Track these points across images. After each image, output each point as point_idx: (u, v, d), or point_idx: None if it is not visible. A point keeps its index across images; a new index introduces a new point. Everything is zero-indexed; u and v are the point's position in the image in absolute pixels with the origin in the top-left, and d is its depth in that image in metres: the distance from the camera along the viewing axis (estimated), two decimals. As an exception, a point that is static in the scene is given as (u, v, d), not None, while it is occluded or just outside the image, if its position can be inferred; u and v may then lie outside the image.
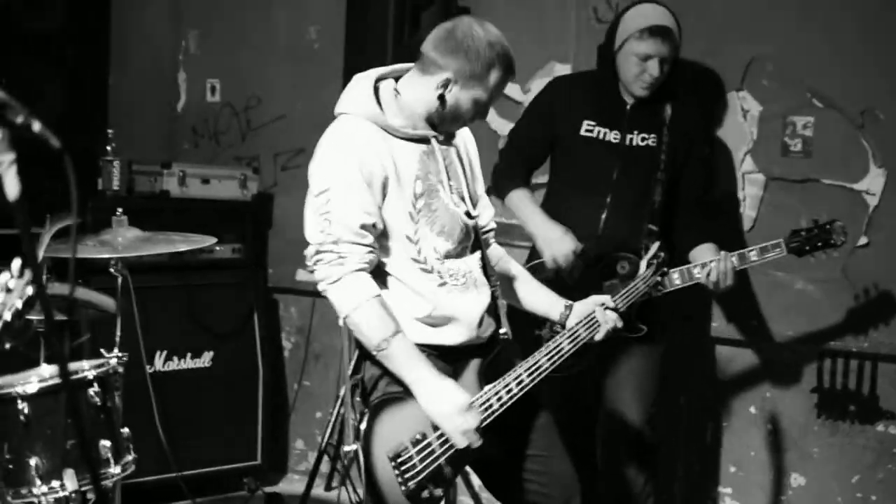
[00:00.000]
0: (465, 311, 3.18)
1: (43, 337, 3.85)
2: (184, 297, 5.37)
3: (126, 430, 3.91)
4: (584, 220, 4.19)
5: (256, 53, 5.99)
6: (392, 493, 3.06)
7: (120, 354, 4.00)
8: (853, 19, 4.51)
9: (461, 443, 3.05)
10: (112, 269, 4.15)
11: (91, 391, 3.77)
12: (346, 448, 3.10)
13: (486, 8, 5.03)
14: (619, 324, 3.39)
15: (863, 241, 4.50)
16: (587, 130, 4.21)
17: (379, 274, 3.11)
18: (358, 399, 3.17)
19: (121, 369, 3.97)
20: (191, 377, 5.36)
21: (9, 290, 1.95)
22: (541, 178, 4.55)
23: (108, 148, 5.27)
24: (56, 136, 1.82)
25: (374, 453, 3.06)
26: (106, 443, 3.77)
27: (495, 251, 3.47)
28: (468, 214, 3.23)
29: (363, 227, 3.03)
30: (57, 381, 3.68)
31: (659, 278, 3.66)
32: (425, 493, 3.07)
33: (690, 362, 4.87)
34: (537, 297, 3.50)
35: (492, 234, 3.44)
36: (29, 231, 1.81)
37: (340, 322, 3.12)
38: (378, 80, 3.21)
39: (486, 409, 3.10)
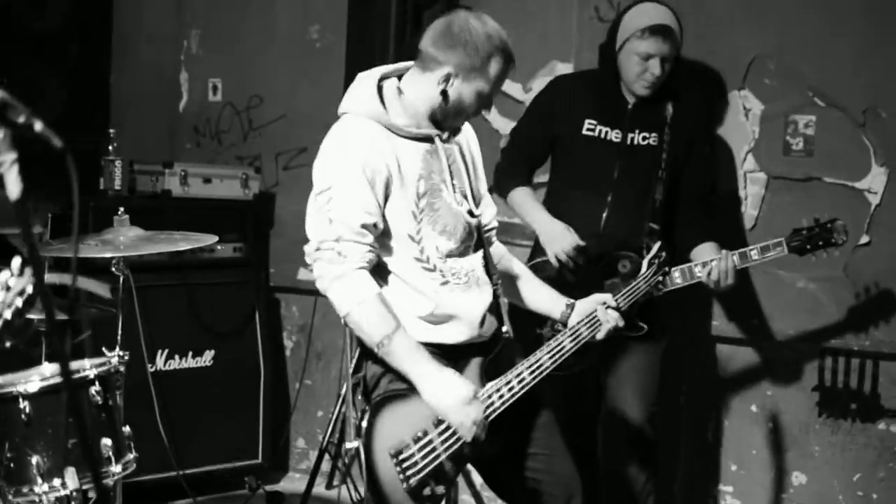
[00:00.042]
0: (467, 309, 3.18)
1: (44, 335, 3.86)
2: (185, 297, 5.37)
3: (127, 428, 3.91)
4: (586, 218, 4.19)
5: (258, 53, 5.99)
6: (394, 491, 3.06)
7: (121, 353, 4.00)
8: (855, 18, 4.51)
9: (468, 434, 3.05)
10: (114, 269, 4.15)
11: (92, 390, 3.77)
12: (348, 445, 3.10)
13: (488, 7, 5.02)
14: (621, 323, 3.39)
15: (864, 239, 4.50)
16: (588, 129, 4.22)
17: (381, 273, 3.12)
18: (360, 397, 3.17)
19: (122, 368, 3.96)
20: (192, 376, 5.37)
21: (9, 289, 1.95)
22: (542, 177, 4.55)
23: (110, 147, 5.27)
24: (57, 135, 1.82)
25: (376, 451, 3.06)
26: (107, 441, 3.77)
27: (497, 249, 3.47)
28: (471, 213, 3.24)
29: (364, 226, 3.04)
30: (58, 379, 3.68)
31: (661, 277, 3.67)
32: (427, 491, 3.07)
33: (691, 361, 4.87)
34: (539, 296, 3.50)
35: (494, 232, 3.44)
36: (30, 230, 1.82)
37: (342, 320, 3.12)
38: (382, 78, 3.21)
39: (487, 407, 3.11)
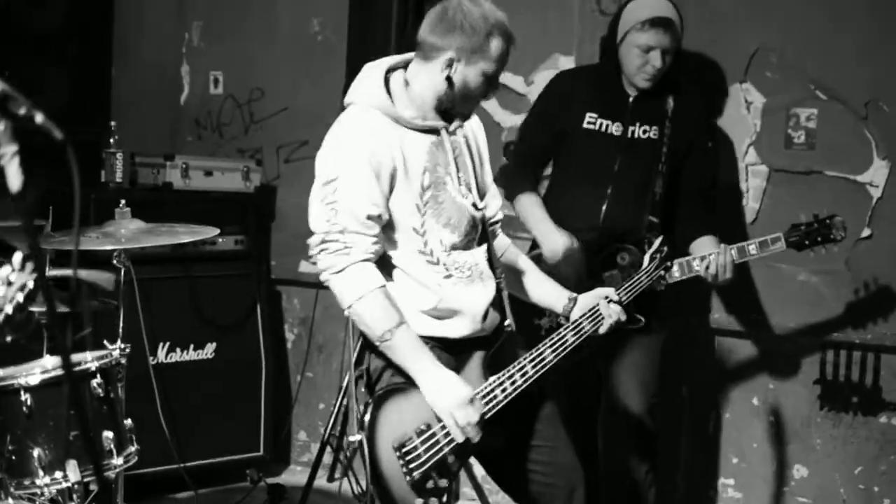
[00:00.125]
0: (470, 303, 3.18)
1: (46, 329, 3.85)
2: (187, 289, 5.37)
3: (129, 421, 3.91)
4: (585, 211, 4.20)
5: (259, 45, 5.99)
6: (397, 484, 3.06)
7: (123, 346, 4.00)
8: (859, 14, 4.50)
9: (460, 437, 3.05)
10: (115, 261, 4.15)
11: (94, 382, 3.77)
12: (351, 438, 3.09)
13: (490, -1, 5.02)
14: (623, 317, 3.39)
15: (866, 232, 4.50)
16: (590, 123, 4.22)
17: (385, 266, 3.11)
18: (362, 390, 3.17)
19: (123, 361, 3.96)
20: (193, 369, 5.37)
21: (10, 284, 1.94)
22: (545, 169, 4.55)
23: (111, 140, 5.27)
24: (58, 127, 1.82)
25: (379, 444, 3.06)
26: (109, 434, 3.77)
27: (501, 242, 3.47)
28: (475, 206, 3.23)
29: (369, 217, 3.03)
30: (60, 372, 3.68)
31: (662, 272, 3.67)
32: (430, 484, 3.07)
33: (693, 354, 4.87)
34: (542, 289, 3.50)
35: (498, 225, 3.44)
36: (31, 224, 1.81)
37: (345, 312, 3.11)
38: (389, 70, 3.20)
39: (490, 401, 3.10)
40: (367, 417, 3.07)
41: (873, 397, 4.57)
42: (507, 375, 3.15)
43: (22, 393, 3.64)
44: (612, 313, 3.36)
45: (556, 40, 5.07)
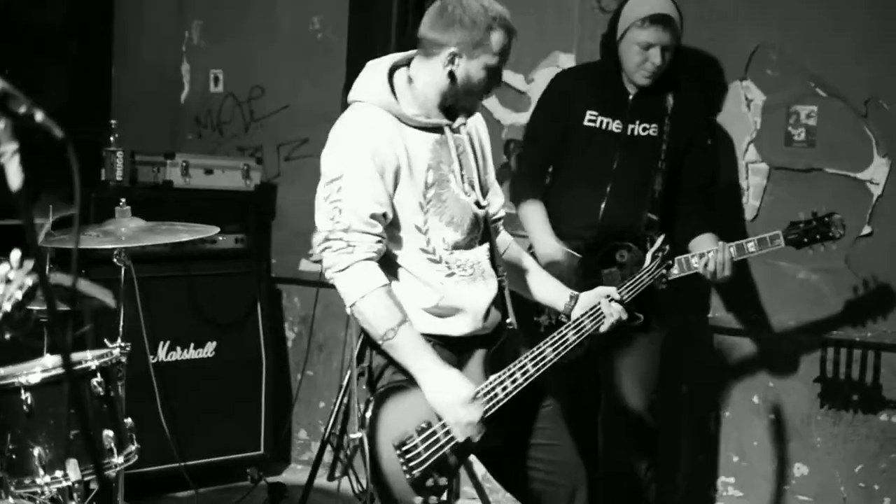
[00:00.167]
0: (472, 301, 3.17)
1: (46, 327, 3.85)
2: (187, 288, 5.37)
3: (129, 420, 3.91)
4: (584, 209, 4.20)
5: (260, 44, 5.98)
6: (397, 482, 3.06)
7: (123, 345, 4.01)
8: (859, 13, 4.51)
9: (462, 435, 3.05)
10: (115, 260, 4.15)
11: (94, 381, 3.77)
12: (352, 436, 3.09)
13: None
14: (624, 316, 3.39)
15: (866, 230, 4.51)
16: (590, 120, 4.22)
17: (387, 263, 3.11)
18: (364, 388, 3.16)
19: (124, 359, 3.96)
20: (194, 367, 5.37)
21: (9, 281, 1.94)
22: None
23: (112, 138, 5.27)
24: (59, 126, 1.81)
25: (380, 442, 3.05)
26: (109, 433, 3.77)
27: (503, 238, 3.46)
28: (478, 204, 3.23)
29: (373, 216, 3.03)
30: (60, 371, 3.68)
31: (664, 271, 3.67)
32: (430, 482, 3.07)
33: (693, 353, 4.87)
34: (544, 287, 3.50)
35: (501, 222, 3.43)
36: (31, 222, 1.81)
37: (348, 310, 3.11)
38: (393, 67, 3.20)
39: (490, 400, 3.10)
40: (367, 415, 3.07)
41: (873, 395, 4.58)
42: (508, 374, 3.14)
43: (22, 391, 3.63)
44: (614, 312, 3.36)
45: (557, 38, 5.07)
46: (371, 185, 3.02)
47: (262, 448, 5.60)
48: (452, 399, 3.03)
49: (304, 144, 5.78)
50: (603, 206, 4.20)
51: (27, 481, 3.62)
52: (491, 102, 5.05)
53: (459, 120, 3.21)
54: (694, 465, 4.92)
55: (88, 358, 3.83)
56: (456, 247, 3.17)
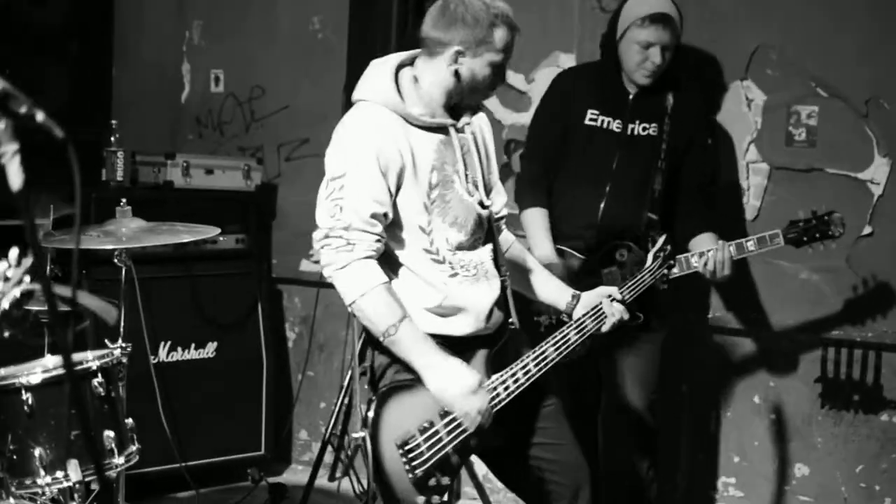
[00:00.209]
0: (474, 302, 3.17)
1: (47, 327, 3.85)
2: (187, 288, 5.37)
3: (130, 420, 3.91)
4: (584, 208, 4.21)
5: (260, 44, 5.98)
6: (399, 481, 3.06)
7: (124, 345, 4.01)
8: (859, 14, 4.51)
9: (473, 424, 3.05)
10: (116, 260, 4.15)
11: (95, 382, 3.77)
12: (355, 435, 3.09)
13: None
14: (626, 316, 3.39)
15: (867, 230, 4.51)
16: (591, 120, 4.23)
17: (390, 263, 3.11)
18: (366, 387, 3.16)
19: (125, 360, 3.96)
20: (195, 368, 5.37)
21: (7, 279, 1.94)
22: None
23: (112, 139, 5.27)
24: (59, 126, 1.81)
25: (382, 441, 3.06)
26: (110, 433, 3.77)
27: (506, 237, 3.46)
28: (482, 204, 3.23)
29: (374, 215, 3.03)
30: (61, 371, 3.68)
31: (665, 271, 3.67)
32: (432, 481, 3.07)
33: (694, 352, 4.87)
34: (546, 287, 3.50)
35: (503, 221, 3.43)
36: (32, 221, 1.81)
37: (349, 309, 3.11)
38: (399, 67, 3.19)
39: (493, 399, 3.11)
40: (370, 414, 3.07)
41: (874, 395, 4.58)
42: (510, 373, 3.15)
43: (23, 392, 3.63)
44: (616, 312, 3.36)
45: (557, 38, 5.07)
46: (373, 185, 3.02)
47: (263, 448, 5.60)
48: (458, 390, 3.03)
49: (305, 144, 5.78)
50: (603, 205, 4.20)
51: (28, 482, 3.62)
52: (491, 103, 5.04)
53: (464, 119, 3.21)
54: (694, 465, 4.92)
55: (89, 358, 3.83)
56: (459, 247, 3.17)
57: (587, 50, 4.87)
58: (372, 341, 3.13)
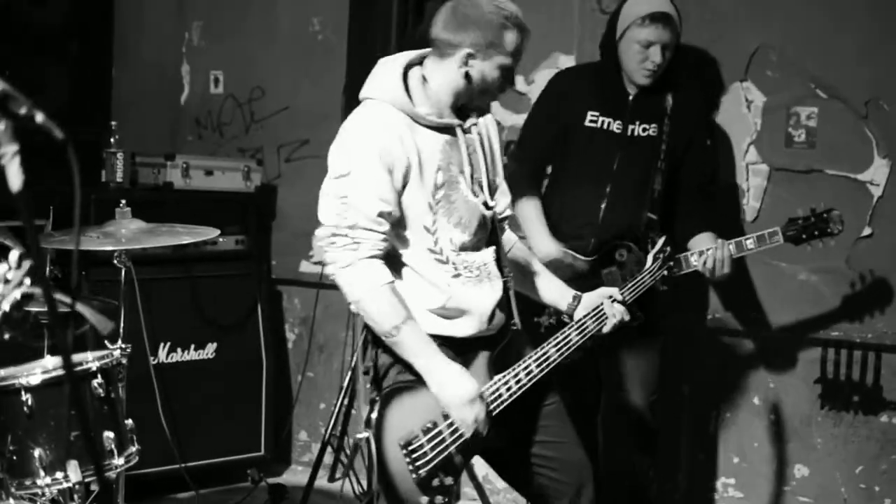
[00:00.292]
0: (477, 303, 3.17)
1: (46, 328, 3.85)
2: (187, 289, 5.37)
3: (129, 421, 3.91)
4: (585, 209, 4.21)
5: (260, 45, 5.98)
6: (403, 482, 3.06)
7: (123, 346, 4.00)
8: (859, 14, 4.51)
9: (469, 431, 3.06)
10: (115, 261, 4.15)
11: (95, 383, 3.77)
12: (358, 436, 3.09)
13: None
14: (627, 317, 3.40)
15: (867, 231, 4.51)
16: (591, 121, 4.22)
17: (394, 263, 3.10)
18: (368, 386, 3.16)
19: (124, 361, 3.96)
20: (194, 369, 5.37)
21: (7, 282, 1.94)
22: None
23: (112, 140, 5.27)
24: (59, 127, 1.81)
25: (386, 441, 3.06)
26: (109, 434, 3.77)
27: (508, 237, 3.46)
28: (486, 205, 3.23)
29: (380, 214, 3.02)
30: (60, 372, 3.68)
31: (665, 272, 3.67)
32: (435, 482, 3.08)
33: (693, 353, 4.87)
34: (547, 287, 3.50)
35: (506, 221, 3.43)
36: (31, 223, 1.81)
37: (352, 308, 3.11)
38: (407, 66, 3.19)
39: (495, 399, 3.11)
40: (373, 415, 3.07)
41: (874, 396, 4.57)
42: (512, 374, 3.16)
43: (23, 393, 3.63)
44: (616, 313, 3.37)
45: (557, 39, 5.07)
46: (379, 184, 3.02)
47: (263, 449, 5.60)
48: (457, 396, 3.04)
49: (305, 145, 5.78)
50: (603, 206, 4.20)
51: (28, 482, 3.62)
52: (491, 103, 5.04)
53: (471, 120, 3.21)
54: (694, 466, 4.92)
55: (89, 359, 3.83)
56: (463, 248, 3.17)
57: (587, 51, 4.87)
58: (375, 340, 3.13)
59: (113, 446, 3.77)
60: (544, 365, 3.19)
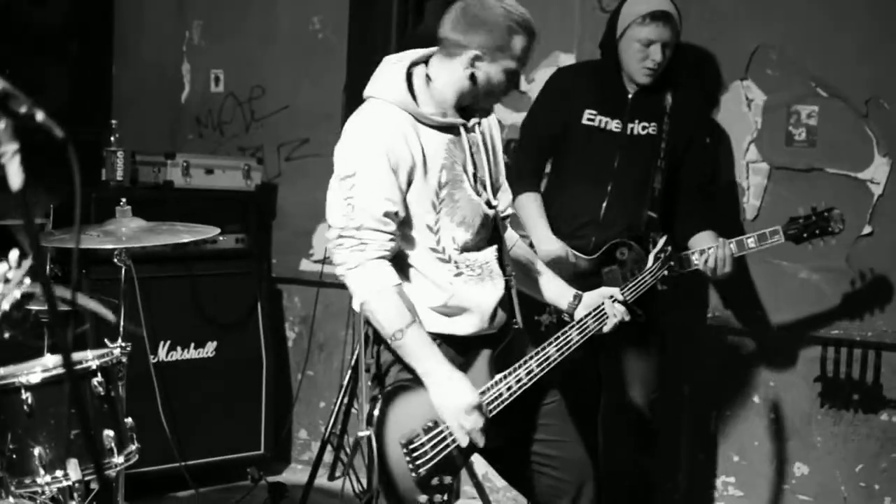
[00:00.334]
0: (479, 301, 3.17)
1: (46, 327, 3.85)
2: (187, 288, 5.37)
3: (129, 419, 3.91)
4: (585, 207, 4.21)
5: (260, 44, 5.98)
6: (403, 480, 3.06)
7: (123, 344, 4.01)
8: (860, 13, 4.51)
9: (464, 441, 3.06)
10: (116, 260, 4.15)
11: (95, 381, 3.77)
12: (360, 434, 3.09)
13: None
14: (627, 317, 3.40)
15: (867, 230, 4.51)
16: (589, 119, 4.23)
17: (396, 261, 3.10)
18: (369, 383, 3.16)
19: (124, 359, 3.96)
20: (194, 367, 5.37)
21: (7, 281, 1.94)
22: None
23: (112, 138, 5.27)
24: (59, 125, 1.81)
25: (387, 440, 3.06)
26: (109, 433, 3.77)
27: (510, 236, 3.46)
28: (489, 204, 3.23)
29: (387, 214, 3.02)
30: (60, 370, 3.68)
31: (666, 272, 3.67)
32: (435, 480, 3.08)
33: (693, 351, 4.87)
34: (548, 286, 3.51)
35: (507, 220, 3.43)
36: (31, 222, 1.81)
37: (356, 307, 3.11)
38: (412, 65, 3.19)
39: (496, 399, 3.11)
40: (375, 413, 3.07)
41: (874, 395, 4.57)
42: (513, 374, 3.15)
43: (23, 391, 3.63)
44: (617, 313, 3.37)
45: (557, 38, 5.07)
46: (385, 184, 3.02)
47: (263, 448, 5.60)
48: (456, 405, 3.03)
49: (305, 144, 5.78)
50: (604, 204, 4.20)
51: (28, 481, 3.62)
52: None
53: (474, 119, 3.21)
54: (694, 465, 4.92)
55: (89, 358, 3.83)
56: (465, 247, 3.17)
57: (587, 50, 4.87)
58: (377, 337, 3.12)
59: (113, 445, 3.77)
60: (545, 364, 3.19)
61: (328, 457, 5.26)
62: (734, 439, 4.85)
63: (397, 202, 3.04)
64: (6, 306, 1.95)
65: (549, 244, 4.16)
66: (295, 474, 5.75)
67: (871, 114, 4.49)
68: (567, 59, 5.01)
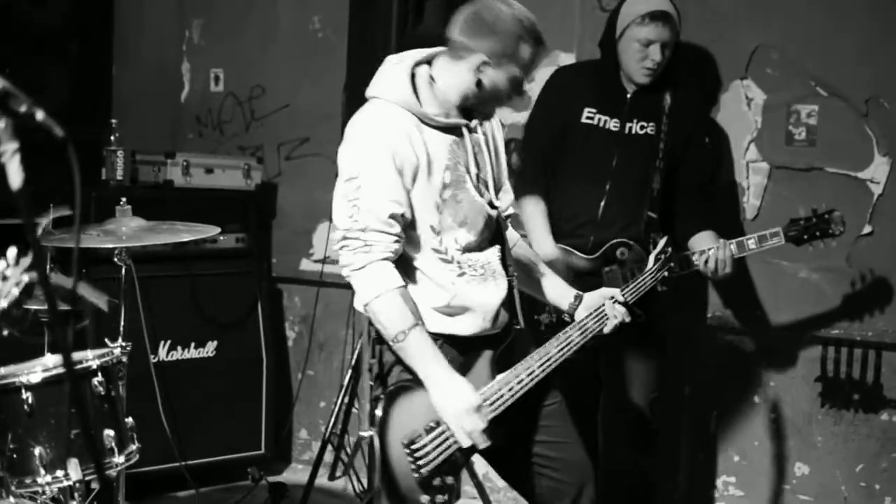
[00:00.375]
0: (481, 301, 3.17)
1: (47, 326, 3.85)
2: (187, 287, 5.37)
3: (130, 419, 3.91)
4: (584, 207, 4.21)
5: (260, 43, 5.99)
6: (405, 480, 3.06)
7: (124, 344, 4.01)
8: (859, 14, 4.51)
9: (465, 443, 3.05)
10: (116, 259, 4.15)
11: (95, 381, 3.77)
12: (363, 434, 3.09)
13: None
14: (628, 318, 3.40)
15: (867, 229, 4.51)
16: (588, 118, 4.23)
17: (399, 261, 3.09)
18: (371, 383, 3.16)
19: (125, 359, 3.97)
20: (194, 367, 5.37)
21: (5, 278, 1.95)
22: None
23: (112, 138, 5.27)
24: (59, 125, 1.81)
25: (390, 440, 3.06)
26: (110, 432, 3.77)
27: (511, 236, 3.46)
28: (491, 204, 3.23)
29: (392, 216, 3.02)
30: (61, 370, 3.68)
31: (666, 273, 3.67)
32: (437, 481, 3.07)
33: (694, 352, 4.87)
34: (549, 286, 3.50)
35: (509, 220, 3.43)
36: (32, 221, 1.81)
37: (360, 308, 3.11)
38: (415, 65, 3.18)
39: (497, 400, 3.11)
40: (378, 413, 3.07)
41: (874, 394, 4.57)
42: (514, 375, 3.15)
43: (23, 391, 3.64)
44: (618, 314, 3.37)
45: (557, 37, 5.06)
46: (390, 185, 3.01)
47: (263, 447, 5.60)
48: (457, 407, 3.03)
49: (305, 144, 5.78)
50: (602, 204, 4.20)
51: (28, 481, 3.62)
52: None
53: (476, 121, 3.21)
54: (694, 465, 4.92)
55: (89, 357, 3.83)
56: (468, 248, 3.16)
57: (587, 50, 4.87)
58: (380, 337, 3.12)
59: (113, 444, 3.77)
60: (546, 365, 3.19)
61: (329, 457, 5.26)
62: (734, 439, 4.86)
63: (403, 203, 3.03)
64: (5, 304, 1.95)
65: (547, 248, 4.16)
66: (295, 474, 5.75)
67: (871, 113, 4.49)
68: (567, 59, 5.02)
